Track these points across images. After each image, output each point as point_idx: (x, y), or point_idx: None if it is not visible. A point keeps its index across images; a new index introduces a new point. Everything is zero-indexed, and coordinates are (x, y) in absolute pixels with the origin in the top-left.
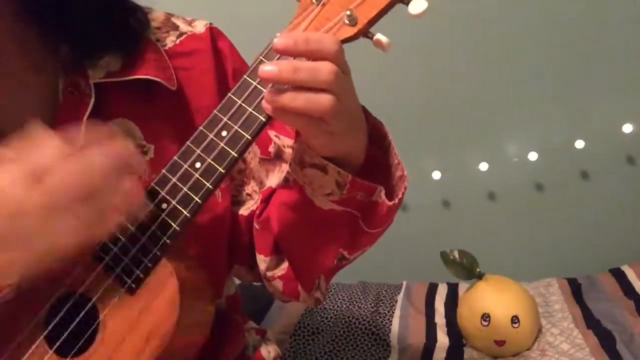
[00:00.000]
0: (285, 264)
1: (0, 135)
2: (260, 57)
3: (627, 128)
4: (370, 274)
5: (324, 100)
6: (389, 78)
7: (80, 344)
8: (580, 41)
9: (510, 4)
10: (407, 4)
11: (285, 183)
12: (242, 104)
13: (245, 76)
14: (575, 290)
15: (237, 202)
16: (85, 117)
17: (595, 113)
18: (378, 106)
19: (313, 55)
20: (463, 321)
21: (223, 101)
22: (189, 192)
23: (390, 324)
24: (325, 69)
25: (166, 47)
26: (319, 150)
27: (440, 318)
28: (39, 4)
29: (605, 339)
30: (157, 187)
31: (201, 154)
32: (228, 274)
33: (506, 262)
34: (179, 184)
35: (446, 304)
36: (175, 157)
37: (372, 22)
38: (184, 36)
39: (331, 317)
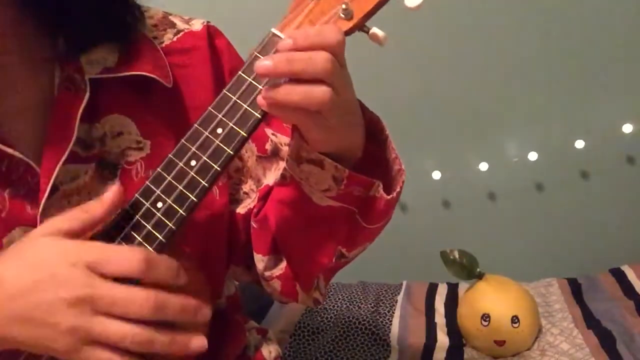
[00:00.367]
0: (284, 264)
1: None
2: (255, 53)
3: (627, 128)
4: (370, 274)
5: (321, 92)
6: (389, 78)
7: None
8: (580, 41)
9: (510, 4)
10: None
11: (283, 180)
12: (237, 101)
13: (240, 72)
14: (575, 290)
15: (235, 200)
16: (79, 112)
17: (595, 113)
18: (378, 106)
19: (315, 49)
20: (463, 321)
21: (218, 98)
22: (184, 190)
23: (390, 324)
24: (321, 58)
25: (163, 45)
26: (317, 146)
27: (440, 318)
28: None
29: (605, 339)
30: (152, 186)
31: (196, 151)
32: (227, 273)
33: (506, 262)
34: (174, 182)
35: (446, 304)
36: (170, 155)
37: (368, 15)
38: (181, 34)
39: (331, 317)
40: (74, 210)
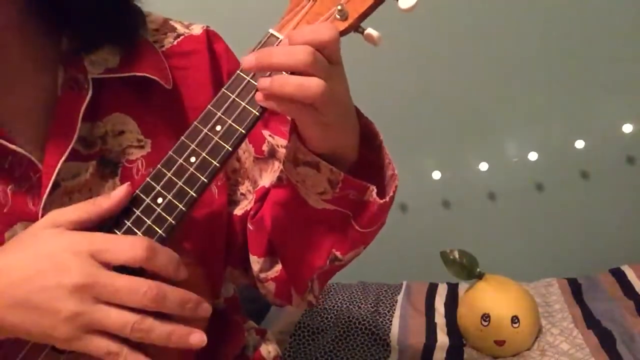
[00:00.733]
0: (279, 266)
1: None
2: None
3: (627, 128)
4: (370, 274)
5: (314, 84)
6: (389, 78)
7: None
8: (580, 41)
9: (510, 4)
10: None
11: (279, 182)
12: (236, 99)
13: (238, 71)
14: (575, 290)
15: (232, 201)
16: (82, 111)
17: (595, 113)
18: (378, 106)
19: (313, 46)
20: (463, 321)
21: (217, 96)
22: (184, 186)
23: (390, 324)
24: (300, 50)
25: (164, 48)
26: (313, 145)
27: (440, 318)
28: None
29: (605, 339)
30: (152, 182)
31: (196, 148)
32: (225, 273)
33: (506, 262)
34: (174, 178)
35: (446, 304)
36: (170, 152)
37: (363, 16)
38: (181, 37)
39: (331, 317)
40: (83, 203)
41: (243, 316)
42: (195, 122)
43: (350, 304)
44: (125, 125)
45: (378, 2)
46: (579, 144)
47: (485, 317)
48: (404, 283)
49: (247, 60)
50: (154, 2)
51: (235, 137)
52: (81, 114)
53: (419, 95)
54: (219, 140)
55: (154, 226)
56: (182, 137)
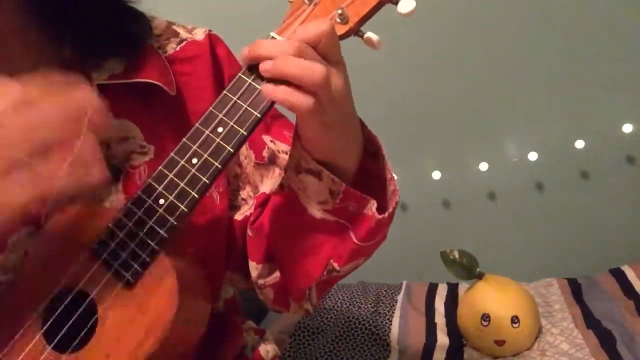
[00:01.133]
0: (277, 273)
1: None
2: None
3: (627, 128)
4: (370, 274)
5: (318, 68)
6: (389, 78)
7: (78, 339)
8: (580, 41)
9: (511, 4)
10: (396, 3)
11: (280, 189)
12: (238, 101)
13: (240, 74)
14: (575, 290)
15: (233, 206)
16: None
17: (595, 113)
18: (379, 106)
19: (305, 42)
20: (463, 321)
21: (219, 98)
22: (185, 187)
23: (390, 324)
24: (285, 42)
25: (167, 54)
26: (315, 147)
27: (440, 318)
28: (45, 5)
29: (605, 339)
30: (154, 183)
31: (197, 149)
32: (224, 278)
33: (506, 262)
34: (175, 179)
35: (446, 304)
36: (172, 154)
37: (363, 20)
38: (184, 43)
39: (331, 317)
40: None
41: (242, 316)
42: (197, 124)
43: (350, 304)
44: (129, 131)
45: (378, 6)
46: (579, 144)
47: (485, 317)
48: (404, 283)
49: (242, 52)
50: (157, 3)
51: (236, 138)
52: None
53: (419, 95)
54: (220, 142)
55: (156, 227)
56: (184, 139)
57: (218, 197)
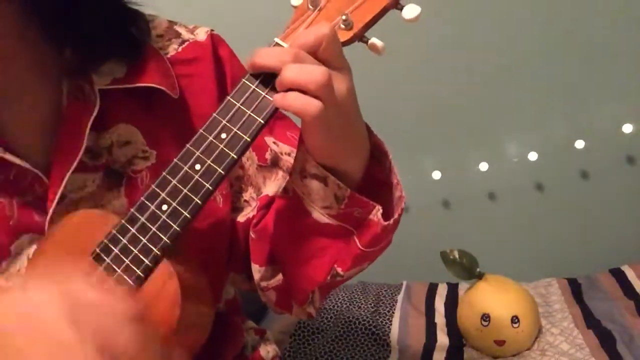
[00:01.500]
0: (280, 276)
1: (3, 138)
2: None
3: (627, 128)
4: (370, 274)
5: (318, 69)
6: (389, 79)
7: None
8: (580, 41)
9: (510, 5)
10: (401, 9)
11: (285, 193)
12: (241, 107)
13: (243, 79)
14: (575, 290)
15: (235, 208)
16: (89, 124)
17: (595, 113)
18: (379, 107)
19: (305, 48)
20: (463, 321)
21: (222, 104)
22: (189, 193)
23: (390, 324)
24: (279, 50)
25: (168, 55)
26: (320, 153)
27: (440, 318)
28: (44, 6)
29: (605, 339)
30: (157, 189)
31: (201, 155)
32: (227, 280)
33: (506, 262)
34: (179, 185)
35: (446, 304)
36: (176, 160)
37: (368, 26)
38: (185, 44)
39: (331, 317)
40: None
41: (242, 316)
42: (200, 130)
43: (350, 304)
44: (130, 136)
45: (383, 12)
46: (579, 144)
47: (485, 317)
48: (404, 283)
49: (246, 60)
50: (159, 3)
51: (240, 145)
52: (89, 126)
53: (419, 96)
54: (224, 148)
55: (159, 233)
56: (188, 145)
57: (221, 199)
